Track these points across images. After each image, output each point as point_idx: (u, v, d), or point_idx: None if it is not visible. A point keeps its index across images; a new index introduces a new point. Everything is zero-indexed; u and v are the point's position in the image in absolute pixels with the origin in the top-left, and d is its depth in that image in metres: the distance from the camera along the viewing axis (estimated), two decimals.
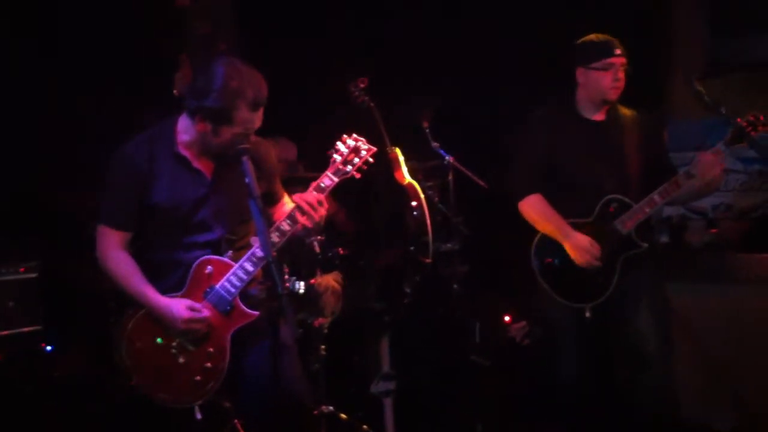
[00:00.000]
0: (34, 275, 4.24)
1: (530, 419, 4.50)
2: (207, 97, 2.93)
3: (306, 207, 3.05)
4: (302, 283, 4.13)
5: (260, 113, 3.00)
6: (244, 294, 3.08)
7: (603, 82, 3.82)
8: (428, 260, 4.52)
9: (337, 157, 3.16)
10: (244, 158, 2.93)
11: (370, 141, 3.25)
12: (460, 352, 4.84)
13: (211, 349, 3.06)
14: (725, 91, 3.97)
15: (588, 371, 4.00)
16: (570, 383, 4.02)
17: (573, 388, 4.02)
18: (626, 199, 3.82)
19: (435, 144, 4.67)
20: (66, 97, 4.40)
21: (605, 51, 3.82)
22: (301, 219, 3.06)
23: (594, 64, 3.82)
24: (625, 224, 3.80)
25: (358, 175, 3.18)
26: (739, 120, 3.65)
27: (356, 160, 3.16)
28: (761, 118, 3.65)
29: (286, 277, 4.04)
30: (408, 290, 4.62)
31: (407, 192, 4.52)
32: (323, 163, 3.22)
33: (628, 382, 3.97)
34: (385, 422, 4.50)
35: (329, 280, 4.38)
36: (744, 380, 4.22)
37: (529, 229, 4.00)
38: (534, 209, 3.95)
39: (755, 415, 4.17)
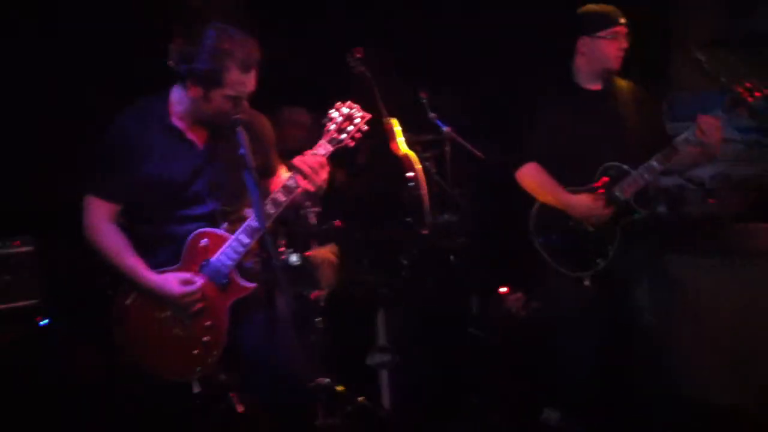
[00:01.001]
0: (30, 248, 4.22)
1: (528, 391, 4.51)
2: (197, 59, 2.88)
3: (307, 170, 3.02)
4: (298, 255, 4.13)
5: (252, 76, 2.94)
6: (241, 266, 3.06)
7: (608, 51, 3.82)
8: (425, 232, 4.50)
9: (332, 126, 3.12)
10: (239, 129, 2.89)
11: (366, 110, 3.22)
12: (457, 324, 4.84)
13: (209, 323, 3.04)
14: (726, 65, 3.93)
15: (588, 343, 4.01)
16: (568, 354, 4.03)
17: (573, 360, 4.03)
18: (624, 167, 3.81)
19: (432, 115, 4.64)
20: (60, 75, 4.37)
21: (612, 20, 3.82)
22: (303, 183, 3.03)
23: (600, 33, 3.81)
24: (625, 191, 3.80)
25: (352, 143, 3.15)
26: (736, 85, 3.63)
27: (350, 127, 3.13)
28: (757, 83, 3.63)
29: (282, 249, 4.05)
30: (405, 262, 4.61)
31: (403, 163, 4.49)
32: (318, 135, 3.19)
33: (626, 357, 3.97)
34: (381, 394, 4.51)
35: (325, 253, 4.37)
36: (744, 353, 4.21)
37: (527, 200, 3.99)
38: (531, 178, 3.94)
39: (756, 389, 4.16)
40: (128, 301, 3.05)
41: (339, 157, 3.19)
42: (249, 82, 2.95)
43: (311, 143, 3.16)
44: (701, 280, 4.35)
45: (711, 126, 3.64)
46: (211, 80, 2.90)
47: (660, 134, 3.90)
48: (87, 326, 4.19)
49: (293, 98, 4.95)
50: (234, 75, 2.89)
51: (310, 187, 3.05)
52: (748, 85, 3.63)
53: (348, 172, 4.86)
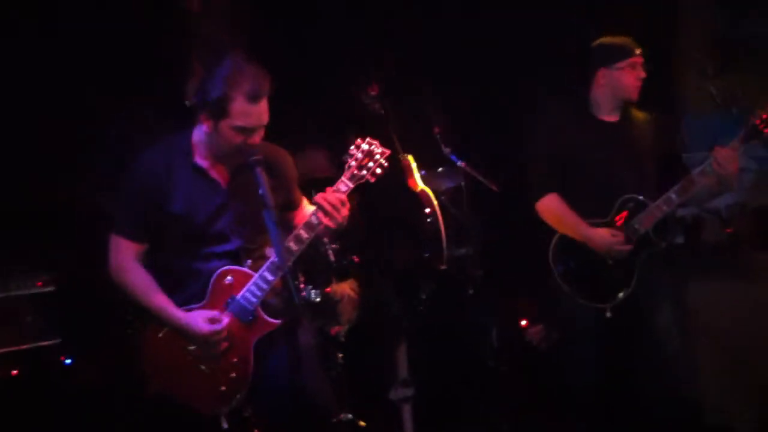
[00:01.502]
0: (51, 289, 4.25)
1: (549, 423, 4.49)
2: (208, 90, 2.92)
3: (328, 208, 3.04)
4: (318, 292, 4.15)
5: (261, 108, 2.94)
6: (265, 303, 3.07)
7: (628, 81, 3.86)
8: (443, 266, 4.52)
9: (352, 162, 3.14)
10: (258, 169, 2.92)
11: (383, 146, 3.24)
12: (478, 357, 4.83)
13: (235, 360, 3.05)
14: (737, 87, 3.95)
15: (607, 373, 4.00)
16: (590, 385, 4.02)
17: (593, 390, 4.02)
18: (642, 198, 3.83)
19: (447, 149, 4.68)
20: (79, 103, 4.40)
21: (629, 50, 3.87)
22: (324, 220, 3.05)
23: (619, 64, 3.85)
24: (643, 223, 3.81)
25: (372, 179, 3.16)
26: (752, 117, 3.66)
27: (371, 164, 3.14)
28: None
29: (302, 286, 4.07)
30: (423, 296, 4.63)
31: (421, 199, 4.52)
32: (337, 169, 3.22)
33: (648, 384, 3.97)
34: (404, 428, 4.50)
35: (345, 288, 4.38)
36: (764, 379, 4.19)
37: (544, 231, 4.00)
38: (551, 209, 3.96)
39: None
40: (157, 334, 3.07)
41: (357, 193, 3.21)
42: (257, 113, 2.94)
43: (333, 175, 3.19)
44: (720, 309, 4.34)
45: (727, 158, 3.66)
46: (218, 110, 2.92)
47: (677, 165, 3.92)
48: (110, 363, 4.21)
49: (309, 133, 4.99)
50: (240, 105, 2.90)
51: (332, 224, 3.07)
52: (765, 116, 3.65)
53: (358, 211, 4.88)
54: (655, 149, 3.91)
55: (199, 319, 3.01)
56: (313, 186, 3.45)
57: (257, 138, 2.99)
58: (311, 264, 4.17)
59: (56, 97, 4.34)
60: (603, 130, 3.95)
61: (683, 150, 4.15)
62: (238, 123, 2.92)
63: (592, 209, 3.88)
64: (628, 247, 3.81)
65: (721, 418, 4.22)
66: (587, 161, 3.89)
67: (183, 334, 3.02)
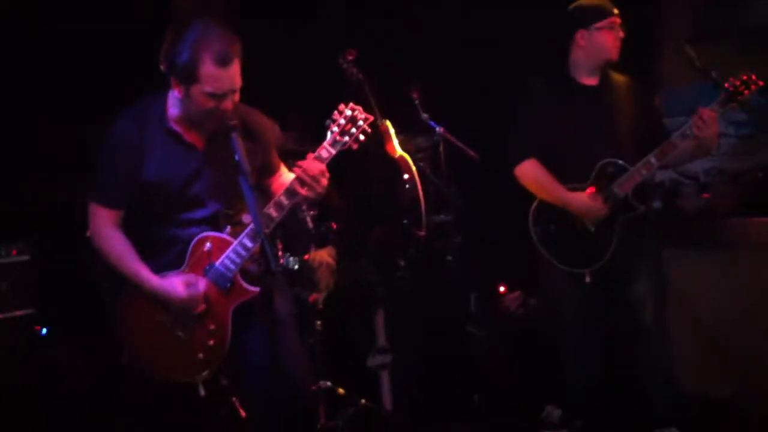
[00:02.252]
0: (26, 257, 4.19)
1: (529, 389, 4.52)
2: (176, 54, 2.88)
3: (307, 179, 3.01)
4: (296, 259, 4.13)
5: (231, 71, 2.89)
6: (244, 270, 3.05)
7: (607, 41, 3.86)
8: (422, 233, 4.50)
9: (335, 128, 3.10)
10: (233, 134, 2.88)
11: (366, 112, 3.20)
12: (456, 323, 4.84)
13: (213, 327, 3.03)
14: (716, 58, 3.96)
15: (588, 339, 4.02)
16: (571, 351, 4.05)
17: (574, 357, 4.05)
18: (622, 162, 3.83)
19: (425, 115, 4.64)
20: (58, 81, 4.35)
21: (607, 11, 3.87)
22: (302, 191, 3.02)
23: (597, 24, 3.85)
24: (622, 187, 3.82)
25: (355, 146, 3.13)
26: (731, 79, 3.66)
27: (353, 130, 3.10)
28: (753, 77, 3.66)
29: (280, 253, 4.04)
30: (402, 263, 4.61)
31: (399, 165, 4.49)
32: (313, 137, 3.18)
33: (624, 352, 3.99)
34: (382, 395, 4.51)
35: (323, 255, 4.35)
36: (740, 346, 4.24)
37: (523, 198, 4.00)
38: (530, 175, 3.95)
39: (752, 382, 4.19)
40: (131, 304, 3.03)
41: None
42: (228, 77, 2.89)
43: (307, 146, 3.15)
44: (696, 274, 4.38)
45: (708, 119, 3.67)
46: (187, 75, 2.88)
47: (657, 127, 3.93)
48: (85, 333, 4.18)
49: (284, 101, 4.94)
50: (209, 69, 2.85)
51: (310, 195, 3.05)
52: (744, 77, 3.66)
53: (338, 190, 4.85)
54: (635, 113, 3.92)
55: (176, 283, 2.98)
56: (285, 159, 3.42)
57: (229, 103, 2.94)
58: (290, 231, 4.14)
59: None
60: (582, 93, 3.94)
61: (662, 115, 4.14)
62: (209, 89, 2.88)
63: (572, 174, 3.87)
64: (607, 208, 3.81)
65: (696, 384, 4.26)
66: (567, 126, 3.89)
67: (160, 299, 2.99)
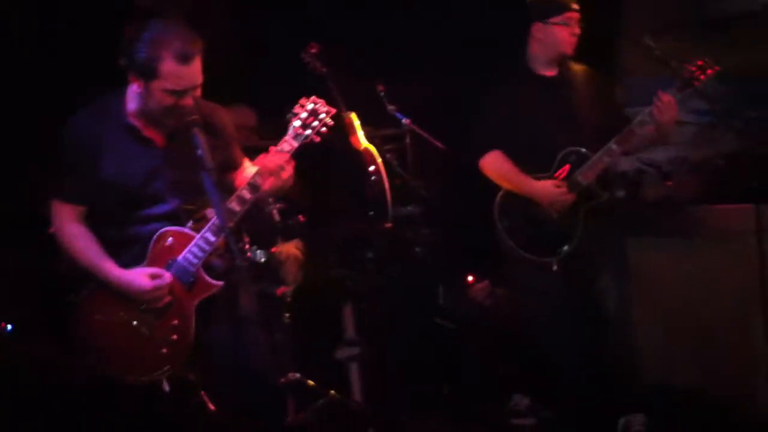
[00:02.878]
0: None
1: (494, 380, 4.55)
2: (134, 51, 2.86)
3: (272, 169, 3.01)
4: (263, 252, 4.12)
5: (193, 68, 2.88)
6: (207, 265, 3.04)
7: (562, 36, 3.87)
8: (388, 225, 4.52)
9: (296, 122, 3.11)
10: (195, 130, 2.87)
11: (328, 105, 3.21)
12: (425, 314, 4.86)
13: (176, 322, 3.02)
14: (676, 49, 3.99)
15: (556, 329, 4.05)
16: (535, 339, 4.08)
17: (538, 344, 4.08)
18: (585, 151, 3.86)
19: (391, 107, 4.65)
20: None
21: (564, 5, 3.88)
22: (265, 183, 3.02)
23: (553, 19, 3.87)
24: (586, 175, 3.85)
25: (317, 139, 3.13)
26: (686, 65, 3.71)
27: (315, 123, 3.12)
28: (708, 62, 3.71)
29: (247, 246, 4.03)
30: (370, 255, 4.62)
31: (364, 157, 4.49)
32: (277, 131, 3.17)
33: (590, 341, 4.03)
34: (351, 387, 4.52)
35: (290, 248, 4.35)
36: (702, 333, 4.28)
37: (490, 189, 4.02)
38: (494, 166, 3.98)
39: (715, 370, 4.24)
40: (92, 303, 3.02)
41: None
42: (189, 74, 2.88)
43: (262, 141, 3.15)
44: (658, 261, 4.41)
45: (668, 104, 3.71)
46: (147, 72, 2.86)
47: (617, 116, 3.97)
48: (49, 331, 4.14)
49: (244, 95, 4.93)
50: (169, 66, 2.84)
51: (273, 187, 3.05)
52: (699, 63, 3.71)
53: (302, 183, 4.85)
54: (595, 102, 3.95)
55: (140, 276, 2.97)
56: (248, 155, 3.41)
57: (190, 100, 2.92)
58: (256, 224, 4.13)
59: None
60: (542, 84, 3.97)
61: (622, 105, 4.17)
62: (169, 86, 2.87)
63: (535, 164, 3.90)
64: (571, 197, 3.84)
65: (660, 372, 4.31)
66: (528, 116, 3.91)
67: (124, 292, 2.97)
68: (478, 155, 4.00)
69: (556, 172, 3.89)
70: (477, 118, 4.02)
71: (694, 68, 3.72)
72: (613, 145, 3.81)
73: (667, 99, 3.71)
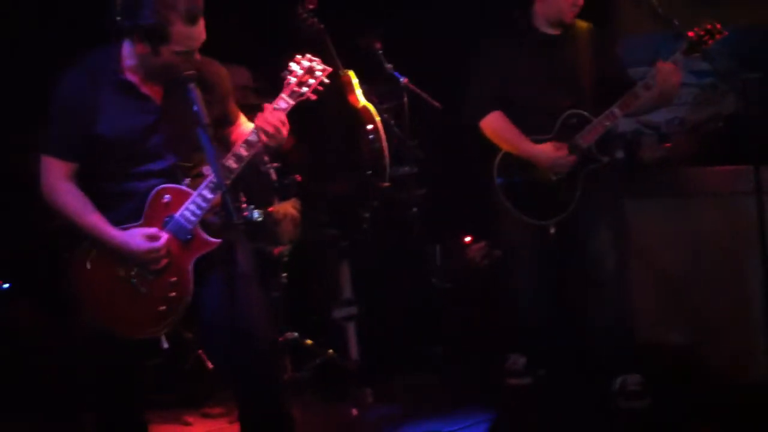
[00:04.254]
0: None
1: (490, 340, 4.56)
2: (139, 14, 2.80)
3: (268, 127, 2.98)
4: (260, 211, 4.10)
5: (200, 27, 2.86)
6: (204, 222, 3.01)
7: (562, 4, 3.81)
8: (385, 184, 4.50)
9: (292, 79, 3.07)
10: (191, 86, 2.84)
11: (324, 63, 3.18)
12: (421, 275, 4.86)
13: (174, 279, 2.99)
14: (677, 7, 3.93)
15: (547, 291, 4.07)
16: (529, 303, 4.09)
17: (531, 308, 4.10)
18: (586, 114, 3.83)
19: (388, 66, 4.61)
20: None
21: None
22: (262, 140, 2.99)
23: None
24: (586, 138, 3.82)
25: (314, 97, 3.10)
26: (696, 29, 3.66)
27: (311, 81, 3.08)
28: (717, 26, 3.65)
29: (244, 205, 4.02)
30: (366, 215, 4.61)
31: (362, 116, 4.46)
32: (274, 89, 3.13)
33: (583, 303, 4.04)
34: (348, 346, 4.53)
35: (287, 208, 4.34)
36: (699, 294, 4.29)
37: (487, 150, 3.99)
38: (495, 127, 3.95)
39: (707, 328, 4.25)
40: (88, 261, 2.98)
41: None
42: (196, 33, 2.86)
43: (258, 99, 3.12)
44: (654, 223, 4.40)
45: (670, 71, 3.66)
46: (157, 37, 2.82)
47: (620, 76, 3.93)
48: (44, 289, 4.14)
49: (239, 53, 4.87)
50: (179, 28, 2.80)
51: (271, 144, 3.02)
52: (708, 27, 3.65)
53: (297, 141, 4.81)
54: (597, 61, 3.91)
55: (137, 236, 2.94)
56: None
57: (197, 56, 2.91)
58: (253, 183, 4.11)
59: None
60: (544, 43, 3.93)
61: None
62: (180, 48, 2.84)
63: (535, 126, 3.87)
64: (571, 160, 3.82)
65: (655, 332, 4.32)
66: (529, 77, 3.87)
67: (120, 253, 2.94)
68: (478, 116, 3.96)
69: (556, 133, 3.86)
70: (477, 77, 3.98)
71: (702, 32, 3.65)
72: (615, 109, 3.77)
73: (668, 67, 3.66)
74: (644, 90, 3.72)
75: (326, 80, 3.12)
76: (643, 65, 3.81)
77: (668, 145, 4.69)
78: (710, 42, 3.65)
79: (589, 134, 3.82)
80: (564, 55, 3.90)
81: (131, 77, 2.97)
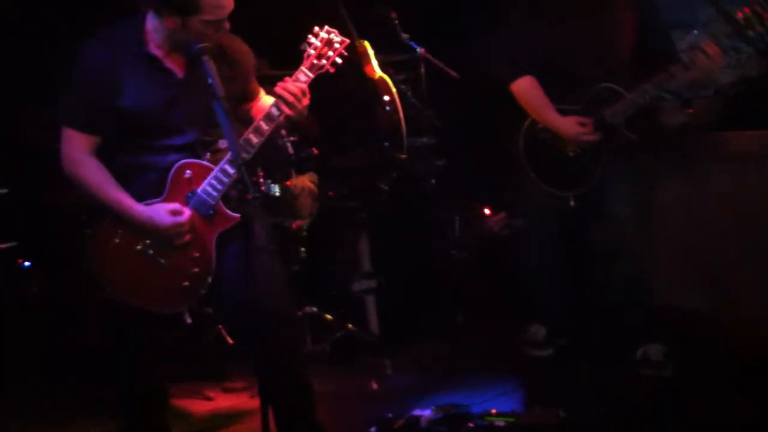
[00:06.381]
0: (4, 191, 4.13)
1: (510, 311, 4.54)
2: None
3: (289, 98, 2.96)
4: (277, 186, 4.09)
5: None
6: (226, 196, 3.00)
7: None
8: (403, 156, 4.47)
9: (311, 51, 3.05)
10: (204, 58, 2.81)
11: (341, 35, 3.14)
12: (440, 246, 4.84)
13: (197, 254, 2.99)
14: None
15: (566, 263, 4.06)
16: (549, 273, 4.07)
17: (551, 278, 4.08)
18: (618, 88, 3.72)
19: (405, 36, 4.56)
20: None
21: None
22: (285, 111, 2.97)
23: None
24: (614, 114, 3.73)
25: (332, 69, 3.08)
26: (747, 10, 3.42)
27: (330, 53, 3.05)
28: (763, 6, 3.42)
29: (261, 180, 4.00)
30: (384, 187, 4.58)
31: (379, 87, 4.43)
32: (287, 60, 3.11)
33: (602, 270, 4.01)
34: (368, 319, 4.53)
35: (305, 181, 4.31)
36: (715, 258, 4.26)
37: (507, 119, 3.95)
38: (526, 91, 3.87)
39: (723, 293, 4.22)
40: (116, 237, 2.97)
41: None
42: (226, 2, 2.85)
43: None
44: (672, 188, 4.36)
45: (713, 55, 3.53)
46: (187, 7, 2.80)
47: (663, 49, 3.76)
48: (67, 266, 4.14)
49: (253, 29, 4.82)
50: None
51: (293, 115, 3.00)
52: (758, 9, 3.41)
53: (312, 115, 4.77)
54: (642, 32, 3.76)
55: (161, 212, 2.93)
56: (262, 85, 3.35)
57: (227, 24, 2.90)
58: (270, 158, 4.09)
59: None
60: (582, 6, 3.76)
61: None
62: (211, 17, 2.82)
63: (566, 94, 3.79)
64: (596, 137, 3.76)
65: (675, 297, 4.29)
66: (567, 42, 3.74)
67: (144, 228, 2.94)
68: (510, 78, 3.88)
69: (585, 106, 3.78)
70: (511, 40, 3.87)
71: (751, 13, 3.42)
72: (648, 86, 3.65)
73: (712, 51, 3.52)
74: (682, 70, 3.59)
75: (345, 52, 3.09)
76: (681, 27, 3.65)
77: (691, 111, 4.62)
78: (758, 29, 3.44)
79: (621, 111, 3.72)
80: (605, 25, 3.75)
81: (156, 51, 2.95)
